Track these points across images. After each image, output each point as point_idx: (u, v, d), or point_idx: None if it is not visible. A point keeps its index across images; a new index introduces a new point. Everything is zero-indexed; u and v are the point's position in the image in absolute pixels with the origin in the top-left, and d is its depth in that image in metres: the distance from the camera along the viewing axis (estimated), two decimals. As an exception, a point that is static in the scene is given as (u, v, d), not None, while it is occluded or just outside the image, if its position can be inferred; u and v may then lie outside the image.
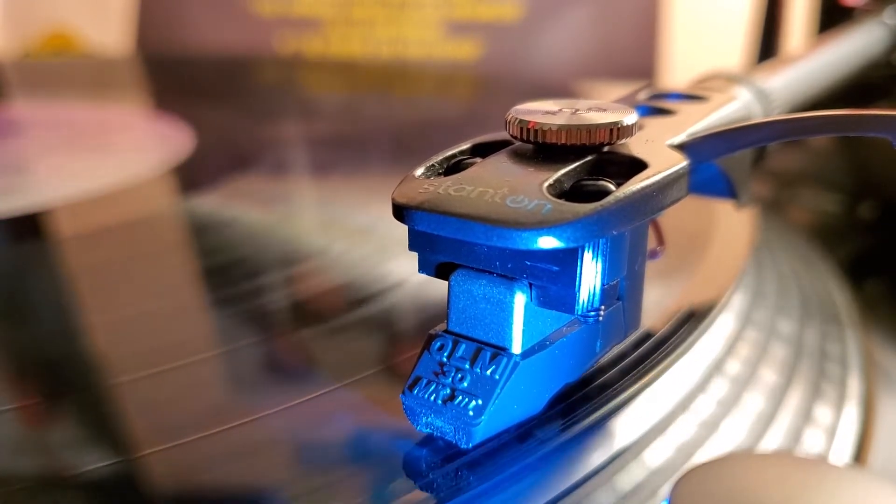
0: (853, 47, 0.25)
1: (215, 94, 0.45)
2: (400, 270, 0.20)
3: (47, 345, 0.18)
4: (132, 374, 0.16)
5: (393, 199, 0.12)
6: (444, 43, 0.57)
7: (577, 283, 0.12)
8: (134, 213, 0.27)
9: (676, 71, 0.54)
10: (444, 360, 0.13)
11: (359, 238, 0.23)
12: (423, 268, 0.13)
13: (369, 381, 0.15)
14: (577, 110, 0.13)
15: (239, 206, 0.27)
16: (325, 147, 0.34)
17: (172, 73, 0.52)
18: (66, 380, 0.16)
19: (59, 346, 0.18)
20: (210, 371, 0.16)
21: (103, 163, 0.31)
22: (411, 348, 0.13)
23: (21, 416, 0.15)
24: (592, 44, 0.55)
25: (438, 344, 0.13)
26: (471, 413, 0.12)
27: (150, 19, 0.61)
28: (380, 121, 0.40)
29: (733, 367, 0.16)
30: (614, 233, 0.12)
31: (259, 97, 0.45)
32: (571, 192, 0.12)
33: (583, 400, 0.14)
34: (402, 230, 0.13)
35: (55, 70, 0.54)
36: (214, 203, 0.27)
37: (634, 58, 0.54)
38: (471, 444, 0.12)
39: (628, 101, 0.17)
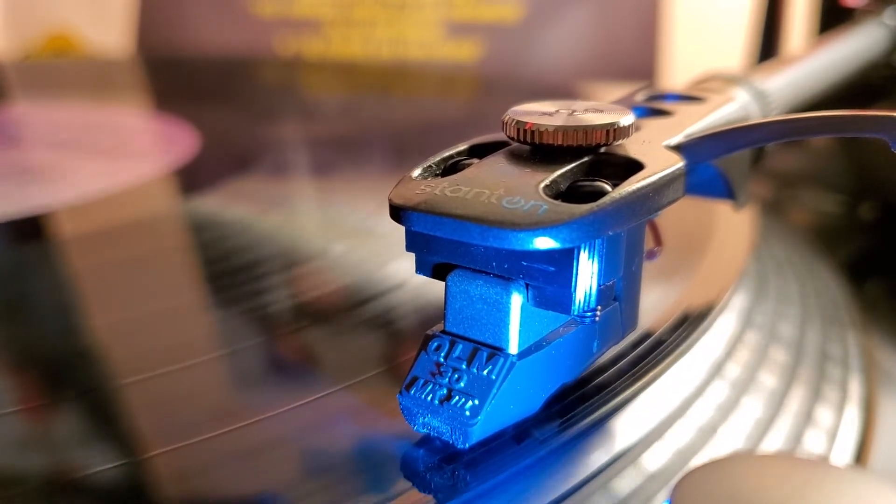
0: (853, 48, 0.25)
1: (216, 96, 0.45)
2: (401, 271, 0.20)
3: (51, 346, 0.18)
4: (136, 375, 0.16)
5: (390, 200, 0.12)
6: (445, 44, 0.57)
7: (573, 283, 0.12)
8: (135, 214, 0.27)
9: (676, 71, 0.54)
10: (441, 360, 0.13)
11: (360, 239, 0.23)
12: (420, 268, 0.13)
13: (371, 382, 0.15)
14: (574, 111, 0.13)
15: (240, 207, 0.27)
16: (326, 148, 0.34)
17: (173, 75, 0.52)
18: (70, 381, 0.16)
19: (62, 348, 0.18)
20: (213, 373, 0.16)
21: (104, 164, 0.31)
22: (413, 349, 0.13)
23: (26, 417, 0.15)
24: (593, 44, 0.55)
25: (435, 344, 0.13)
26: (467, 413, 0.12)
27: (151, 20, 0.61)
28: (380, 122, 0.40)
29: (733, 368, 0.16)
30: (610, 233, 0.12)
31: (260, 98, 0.45)
32: (568, 192, 0.12)
33: (581, 400, 0.14)
34: (402, 231, 0.13)
35: (56, 72, 0.55)
36: (216, 204, 0.27)
37: (635, 58, 0.54)
38: (467, 445, 0.12)
39: (626, 103, 0.17)
